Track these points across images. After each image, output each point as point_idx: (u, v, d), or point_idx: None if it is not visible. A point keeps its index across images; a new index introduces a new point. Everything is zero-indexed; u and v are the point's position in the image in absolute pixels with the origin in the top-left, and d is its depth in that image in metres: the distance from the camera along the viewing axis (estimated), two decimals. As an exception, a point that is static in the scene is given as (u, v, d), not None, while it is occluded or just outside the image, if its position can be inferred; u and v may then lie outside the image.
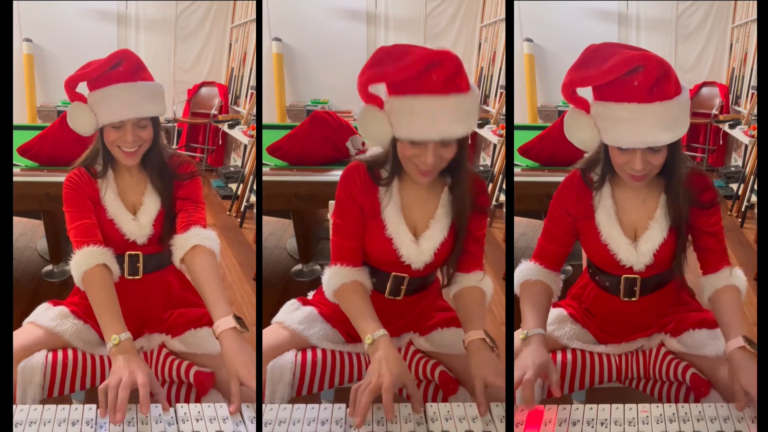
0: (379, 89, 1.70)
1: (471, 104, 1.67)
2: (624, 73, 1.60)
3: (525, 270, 1.85)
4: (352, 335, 1.90)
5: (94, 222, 1.88)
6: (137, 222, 1.91)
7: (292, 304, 1.96)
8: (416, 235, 1.81)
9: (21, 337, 1.84)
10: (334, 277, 1.79)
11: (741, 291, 1.79)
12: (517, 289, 1.85)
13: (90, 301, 1.80)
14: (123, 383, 1.55)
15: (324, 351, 1.88)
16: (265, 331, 1.90)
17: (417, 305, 1.91)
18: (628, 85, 1.61)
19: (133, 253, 1.92)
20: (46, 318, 1.89)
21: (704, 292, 1.80)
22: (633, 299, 1.85)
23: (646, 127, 1.62)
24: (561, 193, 1.84)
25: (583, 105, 1.69)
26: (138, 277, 1.93)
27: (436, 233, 1.80)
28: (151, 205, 1.92)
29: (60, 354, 1.84)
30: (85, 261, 1.80)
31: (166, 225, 1.93)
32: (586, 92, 1.71)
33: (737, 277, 1.79)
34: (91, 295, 1.79)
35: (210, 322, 1.76)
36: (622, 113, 1.62)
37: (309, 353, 1.86)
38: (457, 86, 1.64)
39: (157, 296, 1.97)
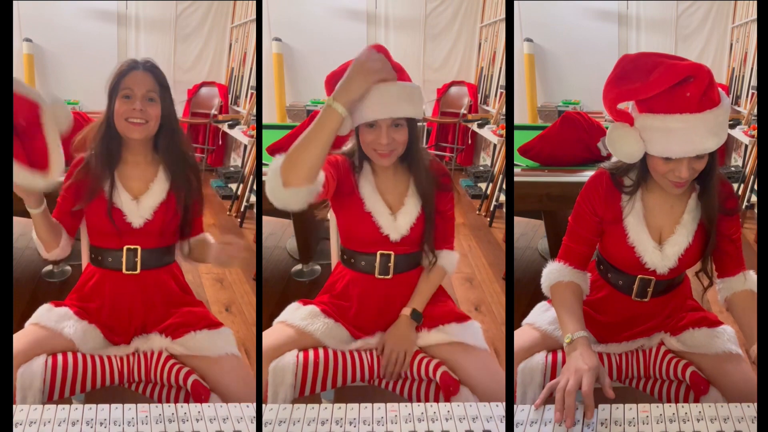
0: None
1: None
2: (673, 84, 1.60)
3: (555, 271, 1.85)
4: (358, 327, 1.91)
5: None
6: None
7: (293, 305, 1.97)
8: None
9: (22, 340, 1.82)
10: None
11: (755, 293, 1.81)
12: (547, 291, 1.86)
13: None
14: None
15: (326, 350, 1.88)
16: (269, 331, 1.90)
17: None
18: (679, 96, 1.60)
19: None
20: (50, 319, 1.88)
21: (721, 293, 1.84)
22: (644, 300, 1.86)
23: (698, 136, 1.62)
24: (589, 193, 1.83)
25: (626, 118, 1.67)
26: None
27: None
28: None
29: (60, 357, 1.82)
30: None
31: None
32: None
33: (752, 281, 1.83)
34: None
35: None
36: (674, 124, 1.61)
37: (311, 353, 1.86)
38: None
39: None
